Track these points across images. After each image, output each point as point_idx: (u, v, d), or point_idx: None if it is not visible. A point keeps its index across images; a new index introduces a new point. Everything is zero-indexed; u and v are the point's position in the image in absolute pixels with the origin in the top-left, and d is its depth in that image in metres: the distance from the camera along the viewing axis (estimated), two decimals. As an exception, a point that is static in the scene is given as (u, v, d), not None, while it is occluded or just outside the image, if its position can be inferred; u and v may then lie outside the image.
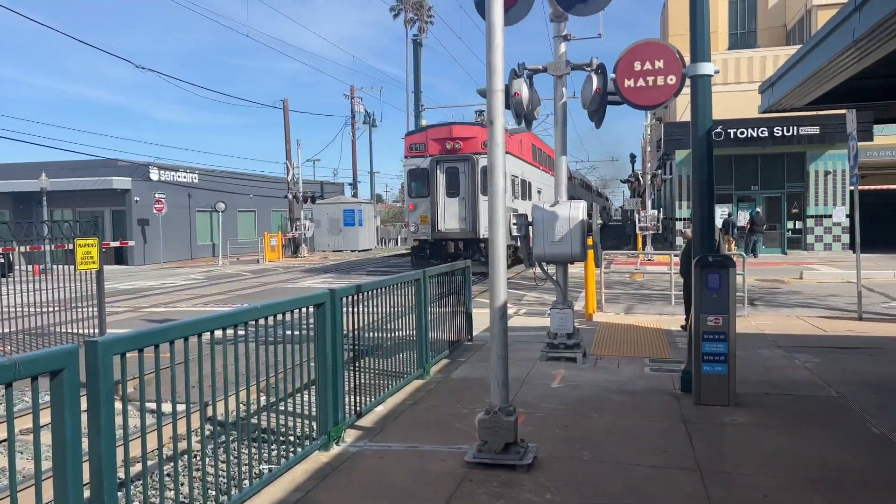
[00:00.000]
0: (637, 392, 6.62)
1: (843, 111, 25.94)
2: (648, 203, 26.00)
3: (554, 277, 8.16)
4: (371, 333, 6.06)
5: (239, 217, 42.25)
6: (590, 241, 7.93)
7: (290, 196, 35.56)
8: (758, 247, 25.30)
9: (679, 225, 27.50)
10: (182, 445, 3.87)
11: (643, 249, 23.79)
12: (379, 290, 6.03)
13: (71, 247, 9.64)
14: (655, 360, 8.12)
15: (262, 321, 4.25)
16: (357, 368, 5.74)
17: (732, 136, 25.83)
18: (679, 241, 25.67)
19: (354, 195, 46.46)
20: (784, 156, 27.37)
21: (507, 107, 7.83)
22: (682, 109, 28.06)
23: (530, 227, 7.91)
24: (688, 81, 6.56)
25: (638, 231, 24.63)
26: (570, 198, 8.09)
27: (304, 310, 4.68)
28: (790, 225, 27.78)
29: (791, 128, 25.96)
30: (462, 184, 19.74)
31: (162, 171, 35.88)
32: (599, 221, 7.71)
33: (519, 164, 21.70)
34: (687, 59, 6.58)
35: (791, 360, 8.01)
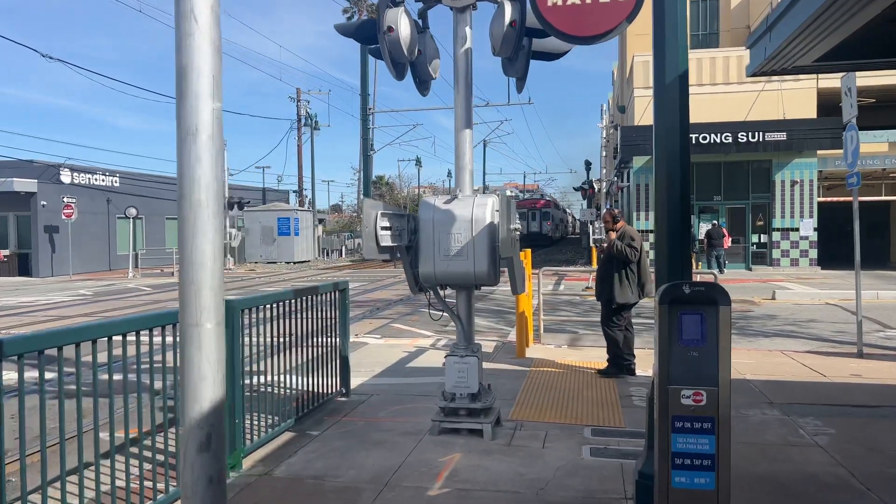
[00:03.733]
0: (565, 507, 4.01)
1: (811, 115, 24.17)
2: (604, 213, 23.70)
3: (454, 310, 5.54)
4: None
5: (167, 224, 38.81)
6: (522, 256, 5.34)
7: (215, 202, 32.26)
8: (722, 261, 23.16)
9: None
10: None
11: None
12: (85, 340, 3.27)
13: None
14: (600, 430, 5.55)
15: None
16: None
17: (694, 141, 23.74)
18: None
19: (300, 203, 43.37)
20: (749, 164, 25.43)
21: (378, 54, 5.23)
22: (640, 112, 25.94)
23: (417, 235, 5.29)
24: (649, -3, 4.02)
25: (591, 244, 22.24)
26: (478, 192, 5.50)
27: None
28: (755, 238, 25.80)
29: (757, 133, 23.99)
30: (534, 219, 47.69)
31: (75, 174, 32.40)
32: (517, 226, 5.11)
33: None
34: (648, -38, 4.05)
35: (794, 429, 5.53)
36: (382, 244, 4.83)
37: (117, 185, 34.79)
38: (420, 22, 5.60)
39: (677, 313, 3.56)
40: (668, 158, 4.00)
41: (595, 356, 8.58)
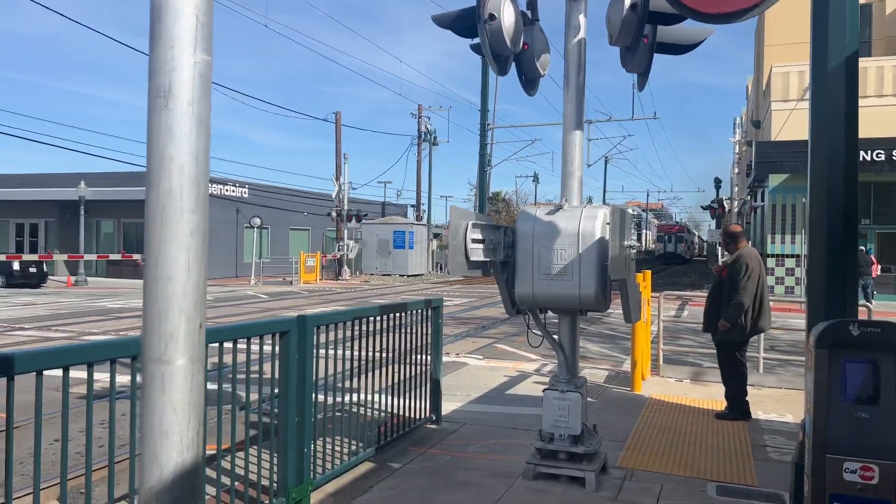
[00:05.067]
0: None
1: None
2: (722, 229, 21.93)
3: (556, 337, 4.87)
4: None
5: (291, 235, 40.28)
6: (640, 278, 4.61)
7: (333, 213, 33.07)
8: (870, 291, 20.79)
9: (771, 262, 23.25)
10: None
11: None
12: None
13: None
14: (727, 487, 4.67)
15: None
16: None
17: (840, 158, 21.54)
18: (790, 282, 21.46)
19: (417, 217, 43.78)
20: (904, 184, 22.80)
21: (480, 50, 4.69)
22: (778, 127, 23.93)
23: (514, 250, 4.67)
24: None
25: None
26: (588, 202, 4.82)
27: None
28: (909, 267, 23.08)
29: (915, 150, 21.43)
30: (670, 241, 67.87)
31: (209, 185, 34.19)
32: (632, 243, 4.38)
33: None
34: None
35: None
36: (473, 258, 4.25)
37: (246, 196, 36.38)
38: (529, 13, 5.03)
39: (840, 361, 2.75)
40: (830, 169, 3.19)
41: (721, 392, 7.58)
